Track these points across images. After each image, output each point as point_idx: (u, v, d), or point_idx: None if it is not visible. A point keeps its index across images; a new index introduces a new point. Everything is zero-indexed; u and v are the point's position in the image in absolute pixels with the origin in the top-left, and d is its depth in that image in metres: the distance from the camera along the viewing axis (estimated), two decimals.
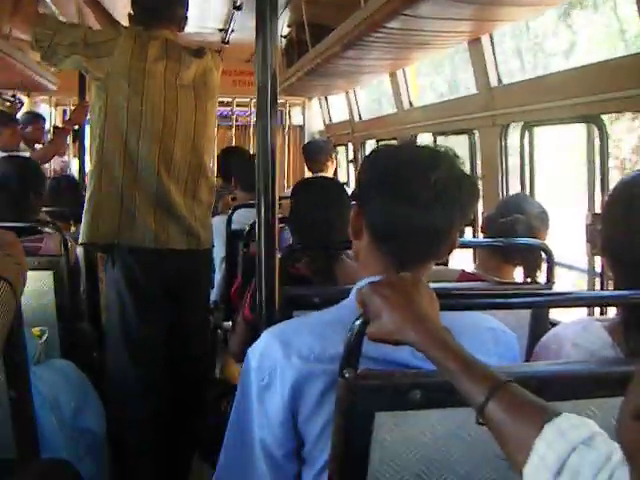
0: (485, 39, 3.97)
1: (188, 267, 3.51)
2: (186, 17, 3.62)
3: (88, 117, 6.54)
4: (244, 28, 6.21)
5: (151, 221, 3.36)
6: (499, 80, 4.01)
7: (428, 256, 1.65)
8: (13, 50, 4.83)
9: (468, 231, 4.22)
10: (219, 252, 4.37)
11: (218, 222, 4.18)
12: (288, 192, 3.82)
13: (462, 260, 3.58)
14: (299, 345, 1.58)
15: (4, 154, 4.86)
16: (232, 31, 6.48)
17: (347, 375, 1.42)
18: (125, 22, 3.62)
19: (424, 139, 5.25)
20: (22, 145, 6.28)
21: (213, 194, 3.68)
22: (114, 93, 3.32)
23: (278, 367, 1.57)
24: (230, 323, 4.33)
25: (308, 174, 6.68)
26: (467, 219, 1.67)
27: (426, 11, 3.24)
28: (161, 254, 3.41)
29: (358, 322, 1.42)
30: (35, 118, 7.11)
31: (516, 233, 2.79)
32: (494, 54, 4.01)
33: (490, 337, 1.68)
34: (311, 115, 8.70)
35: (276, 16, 1.97)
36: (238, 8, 5.45)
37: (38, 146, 6.67)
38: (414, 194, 1.55)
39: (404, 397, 1.44)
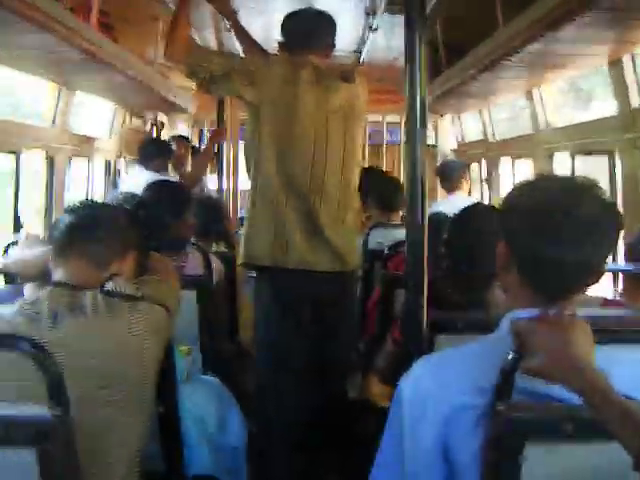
0: (627, 59, 3.89)
1: (336, 288, 3.55)
2: (334, 44, 3.67)
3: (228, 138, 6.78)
4: (376, 48, 6.26)
5: (301, 243, 3.43)
6: None
7: (577, 289, 1.64)
8: (157, 75, 5.02)
9: None
10: None
11: None
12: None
13: (601, 286, 3.50)
14: (452, 377, 1.59)
15: (155, 176, 5.03)
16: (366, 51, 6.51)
17: (499, 406, 1.44)
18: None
19: (561, 159, 5.16)
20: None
21: (359, 216, 3.72)
22: (267, 119, 3.39)
23: (431, 398, 1.59)
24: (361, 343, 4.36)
25: (442, 193, 6.66)
26: (613, 249, 1.66)
27: (567, 34, 3.21)
28: (309, 276, 3.46)
29: (512, 356, 1.43)
30: (181, 140, 7.32)
31: None
32: (636, 74, 3.92)
33: None
34: (443, 134, 8.67)
35: (424, 41, 1.98)
36: (374, 30, 5.46)
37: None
38: (562, 230, 1.55)
39: (555, 429, 1.45)
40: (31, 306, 2.00)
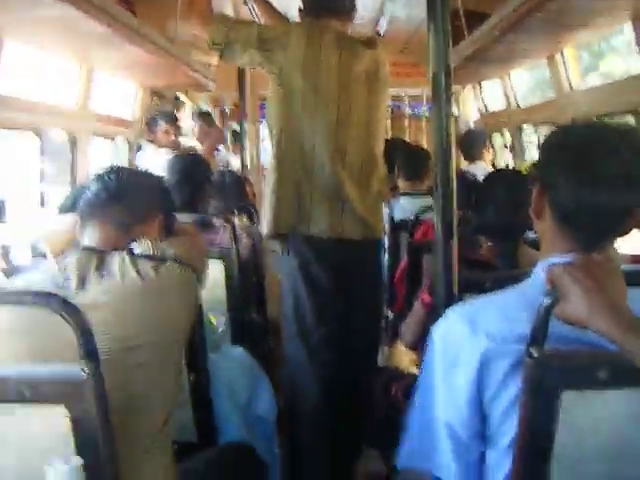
0: None
1: (362, 256, 3.55)
2: (355, 7, 3.64)
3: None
4: (395, 18, 6.19)
5: (326, 211, 3.42)
6: None
7: (613, 234, 1.63)
8: (179, 51, 4.98)
9: None
10: None
11: None
12: None
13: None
14: (486, 324, 1.58)
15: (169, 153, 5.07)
16: (385, 22, 6.44)
17: (534, 353, 1.42)
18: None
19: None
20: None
21: (384, 184, 3.69)
22: (289, 86, 3.38)
23: (465, 345, 1.58)
24: (390, 313, 4.34)
25: (464, 163, 6.62)
26: None
27: None
28: (336, 243, 3.46)
29: (546, 300, 1.42)
30: (204, 116, 7.32)
31: None
32: None
33: None
34: (465, 105, 8.59)
35: (448, 6, 1.94)
36: None
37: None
38: (600, 173, 1.54)
39: (591, 376, 1.44)
40: (59, 272, 2.01)
